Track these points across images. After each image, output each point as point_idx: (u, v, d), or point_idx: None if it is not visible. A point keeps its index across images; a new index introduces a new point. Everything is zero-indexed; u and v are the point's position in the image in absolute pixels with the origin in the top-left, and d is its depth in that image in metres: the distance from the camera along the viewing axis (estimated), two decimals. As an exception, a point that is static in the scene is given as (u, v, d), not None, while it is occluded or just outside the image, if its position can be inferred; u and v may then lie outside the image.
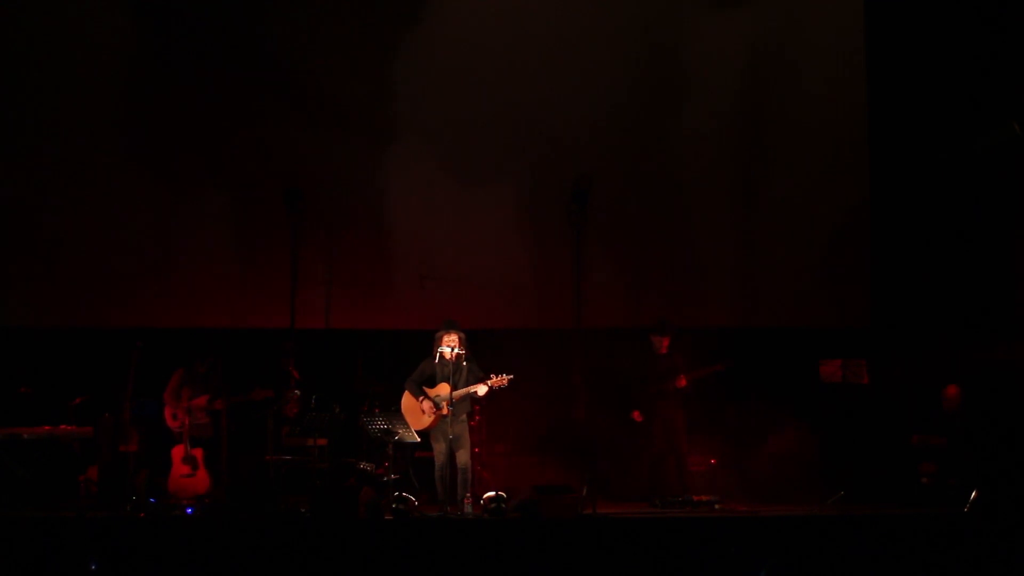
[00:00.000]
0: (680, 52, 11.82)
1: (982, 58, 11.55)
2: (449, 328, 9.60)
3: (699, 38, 11.81)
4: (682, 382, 10.51)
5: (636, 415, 10.63)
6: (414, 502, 9.41)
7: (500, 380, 9.45)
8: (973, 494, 9.54)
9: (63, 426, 10.40)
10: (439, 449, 9.61)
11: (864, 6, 11.89)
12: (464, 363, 9.55)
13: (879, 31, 11.83)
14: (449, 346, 9.49)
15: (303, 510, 8.99)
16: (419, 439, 9.61)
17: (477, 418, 10.46)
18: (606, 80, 11.76)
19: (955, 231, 11.58)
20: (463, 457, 9.55)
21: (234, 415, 10.32)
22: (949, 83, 11.57)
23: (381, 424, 9.42)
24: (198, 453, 10.17)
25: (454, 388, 9.43)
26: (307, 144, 11.50)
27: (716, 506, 10.08)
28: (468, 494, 9.47)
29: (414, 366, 9.78)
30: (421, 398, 9.58)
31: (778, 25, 11.89)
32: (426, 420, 9.56)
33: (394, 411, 9.58)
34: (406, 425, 9.43)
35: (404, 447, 10.05)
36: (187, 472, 10.11)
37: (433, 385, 9.64)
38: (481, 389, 9.46)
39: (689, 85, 11.79)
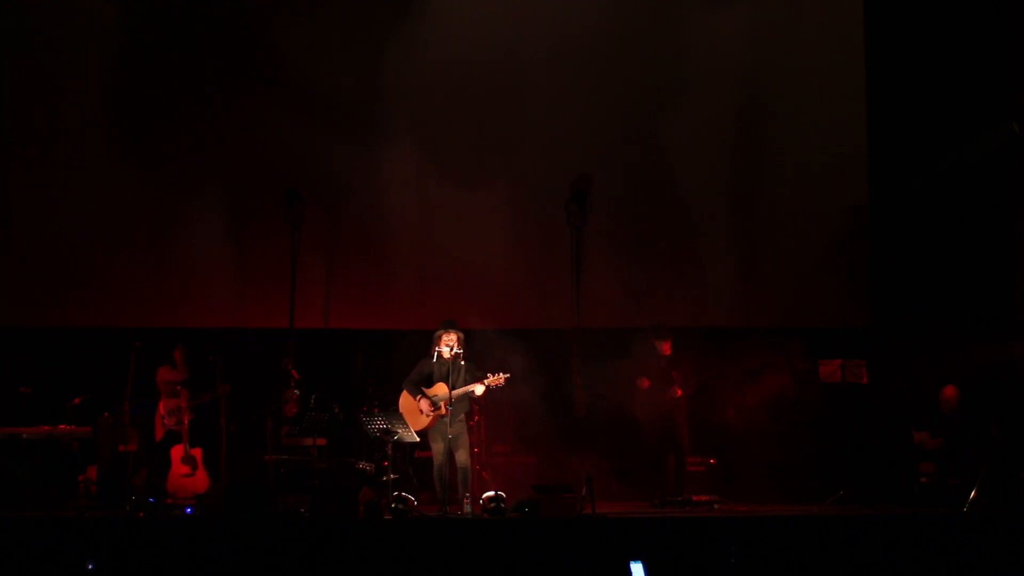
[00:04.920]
0: (679, 52, 11.81)
1: (982, 58, 11.56)
2: (448, 328, 9.59)
3: (698, 38, 11.79)
4: (678, 392, 10.51)
5: (644, 382, 10.45)
6: (413, 502, 9.40)
7: (497, 379, 9.44)
8: (972, 494, 9.54)
9: (62, 426, 10.40)
10: (437, 449, 9.60)
11: (864, 6, 11.89)
12: (462, 363, 9.54)
13: (879, 31, 11.82)
14: (448, 346, 9.48)
15: (303, 510, 8.98)
16: (418, 439, 9.60)
17: (476, 418, 10.46)
18: (604, 80, 11.75)
19: (955, 231, 11.58)
20: (462, 457, 9.54)
21: (232, 414, 10.34)
22: (949, 83, 11.57)
23: (380, 424, 9.41)
24: (197, 453, 10.19)
25: (452, 388, 9.42)
26: (305, 144, 11.49)
27: (716, 506, 10.07)
28: (467, 494, 9.47)
29: (413, 366, 9.77)
30: (419, 397, 9.57)
31: (777, 25, 11.88)
32: (424, 420, 9.55)
33: (392, 411, 9.58)
34: (405, 425, 9.42)
35: (403, 447, 10.05)
36: (186, 472, 10.14)
37: (431, 385, 9.63)
38: (478, 389, 9.45)
39: (688, 85, 11.79)
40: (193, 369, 10.50)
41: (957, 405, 10.62)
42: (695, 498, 10.25)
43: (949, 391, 10.65)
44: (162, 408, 10.40)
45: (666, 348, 10.63)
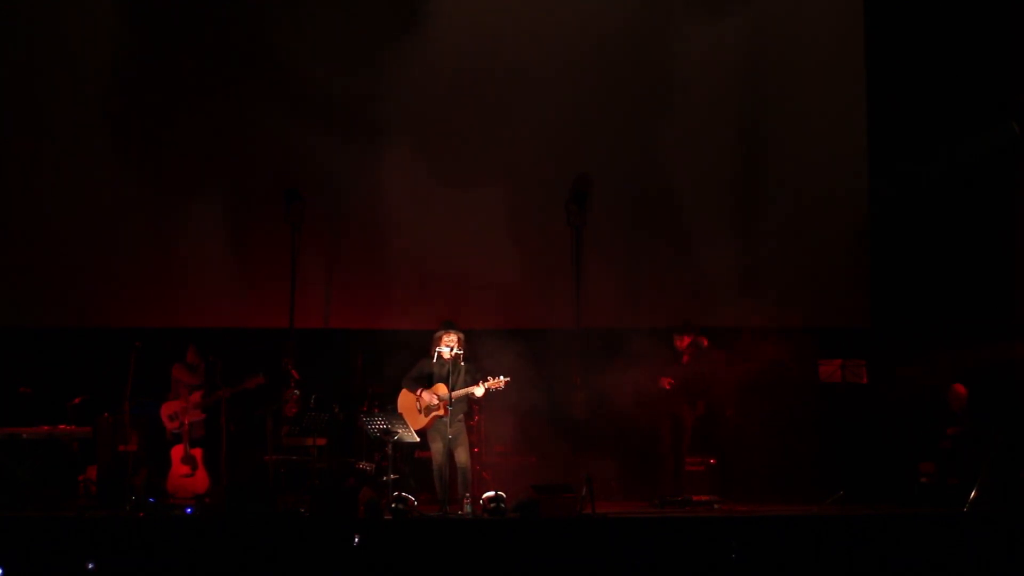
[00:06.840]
0: (679, 53, 11.80)
1: (982, 58, 11.56)
2: (447, 328, 9.59)
3: (698, 39, 11.79)
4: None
5: (666, 383, 10.44)
6: (413, 502, 9.38)
7: (497, 383, 9.41)
8: (973, 494, 9.54)
9: (62, 426, 10.40)
10: (437, 449, 9.60)
11: (864, 7, 11.89)
12: (462, 363, 9.53)
13: (879, 31, 11.83)
14: (448, 346, 9.47)
15: (303, 510, 8.98)
16: (418, 439, 9.59)
17: (476, 418, 10.46)
18: (605, 81, 11.75)
19: (955, 231, 11.58)
20: (462, 456, 9.53)
21: (232, 414, 10.34)
22: (949, 83, 11.57)
23: (380, 424, 9.41)
24: (197, 453, 10.19)
25: (452, 389, 9.41)
26: (305, 145, 11.48)
27: (716, 506, 10.07)
28: (468, 494, 9.46)
29: (413, 366, 9.77)
30: (419, 390, 9.56)
31: (777, 25, 11.89)
32: (423, 420, 9.55)
33: (392, 411, 9.57)
34: (405, 425, 9.41)
35: (403, 447, 10.04)
36: (186, 472, 10.14)
37: (430, 385, 9.62)
38: (478, 391, 9.43)
39: (688, 85, 11.79)
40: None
41: (967, 403, 10.63)
42: (695, 498, 10.25)
43: (959, 388, 10.68)
44: (164, 411, 10.38)
45: (685, 343, 10.63)
